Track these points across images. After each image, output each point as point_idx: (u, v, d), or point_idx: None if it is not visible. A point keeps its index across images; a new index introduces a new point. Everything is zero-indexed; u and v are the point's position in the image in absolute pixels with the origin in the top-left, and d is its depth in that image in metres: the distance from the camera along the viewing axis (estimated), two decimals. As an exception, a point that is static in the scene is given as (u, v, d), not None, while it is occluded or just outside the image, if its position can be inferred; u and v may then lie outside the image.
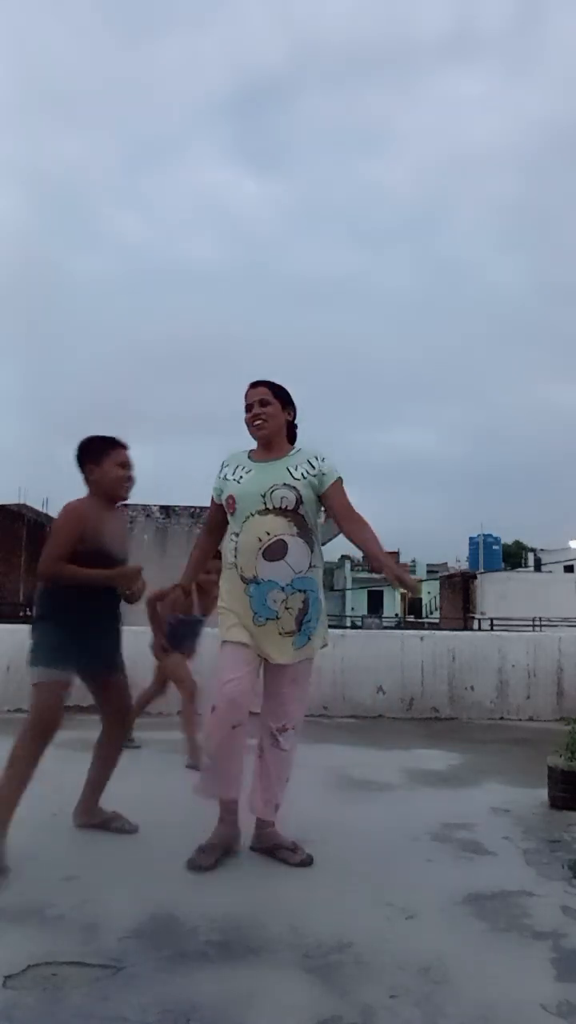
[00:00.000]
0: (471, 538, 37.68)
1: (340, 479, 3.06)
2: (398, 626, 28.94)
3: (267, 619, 2.94)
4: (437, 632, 8.55)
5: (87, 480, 3.31)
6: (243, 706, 2.92)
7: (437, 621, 32.18)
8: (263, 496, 2.96)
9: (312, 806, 3.77)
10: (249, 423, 3.12)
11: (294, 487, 2.98)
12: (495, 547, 37.11)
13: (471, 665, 7.08)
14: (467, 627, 22.63)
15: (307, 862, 2.93)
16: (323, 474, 3.02)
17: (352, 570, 48.01)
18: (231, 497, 3.04)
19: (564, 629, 16.76)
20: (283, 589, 2.94)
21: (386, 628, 24.73)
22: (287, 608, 2.95)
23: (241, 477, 3.07)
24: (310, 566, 3.00)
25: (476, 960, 2.22)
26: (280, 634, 2.96)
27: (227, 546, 3.08)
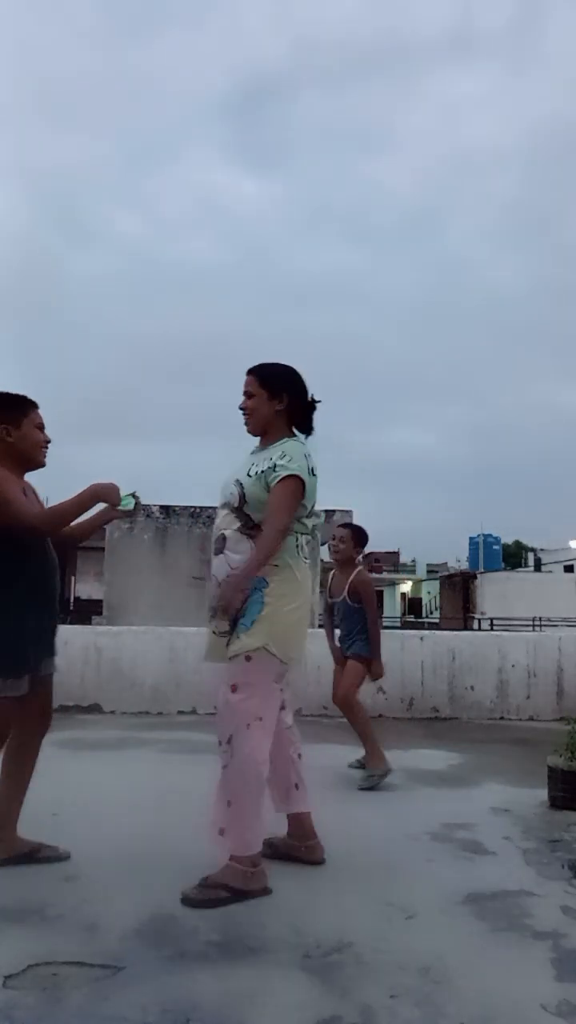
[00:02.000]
0: (471, 538, 37.68)
1: (289, 477, 2.76)
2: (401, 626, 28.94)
3: (209, 616, 2.85)
4: (437, 632, 8.54)
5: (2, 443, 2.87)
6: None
7: (437, 621, 32.17)
8: (223, 489, 2.91)
9: (312, 806, 3.77)
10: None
11: (241, 484, 2.84)
12: (495, 547, 37.11)
13: (471, 665, 7.08)
14: (467, 627, 22.63)
15: (184, 900, 2.53)
16: (274, 471, 2.78)
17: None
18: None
19: (564, 629, 16.76)
20: (219, 585, 2.80)
21: (386, 628, 24.73)
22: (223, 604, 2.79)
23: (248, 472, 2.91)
24: None
25: (476, 960, 2.22)
26: (214, 633, 2.83)
27: None
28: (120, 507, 2.91)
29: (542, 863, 3.05)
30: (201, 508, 10.28)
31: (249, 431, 2.97)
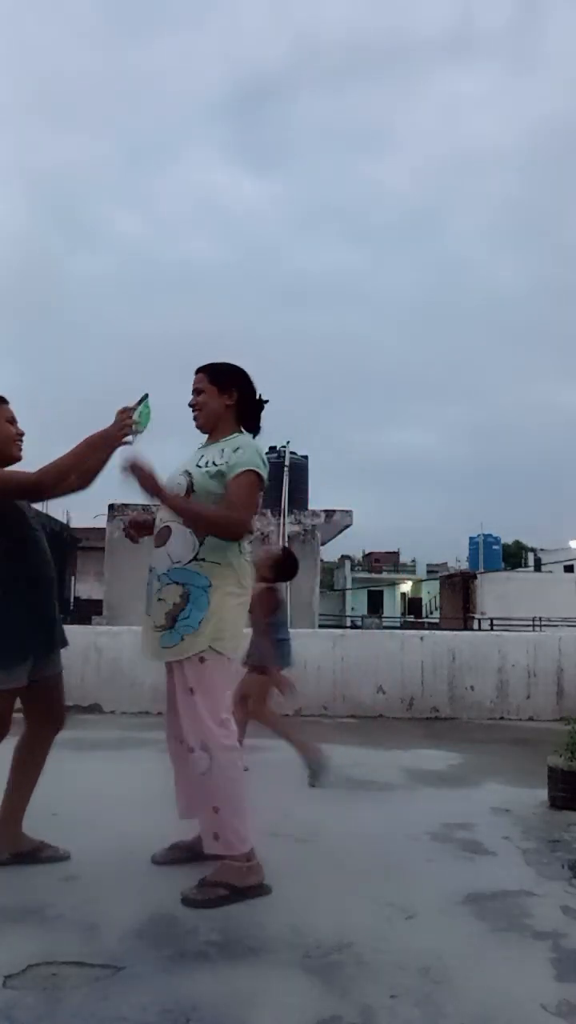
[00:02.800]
0: (471, 538, 37.63)
1: (247, 472, 2.74)
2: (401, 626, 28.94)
3: (146, 611, 2.78)
4: (437, 632, 8.55)
5: None
6: (166, 723, 2.94)
7: (437, 621, 32.16)
8: (169, 481, 2.84)
9: (312, 806, 3.77)
10: None
11: (190, 474, 2.80)
12: (495, 547, 37.05)
13: (471, 665, 7.08)
14: (467, 627, 22.62)
15: (185, 901, 2.53)
16: (229, 465, 2.75)
17: (352, 570, 48.01)
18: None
19: (564, 629, 16.76)
20: (159, 578, 2.73)
21: (386, 628, 24.73)
22: (159, 599, 2.71)
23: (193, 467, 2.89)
24: (195, 558, 2.69)
25: (476, 960, 2.22)
26: (153, 628, 2.73)
27: None
28: (137, 428, 2.83)
29: (542, 863, 3.05)
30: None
31: (198, 426, 2.96)
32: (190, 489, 2.77)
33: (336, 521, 12.22)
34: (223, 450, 2.81)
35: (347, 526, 12.48)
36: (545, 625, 19.63)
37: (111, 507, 11.76)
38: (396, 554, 54.16)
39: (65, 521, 29.04)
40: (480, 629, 19.64)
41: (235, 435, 2.91)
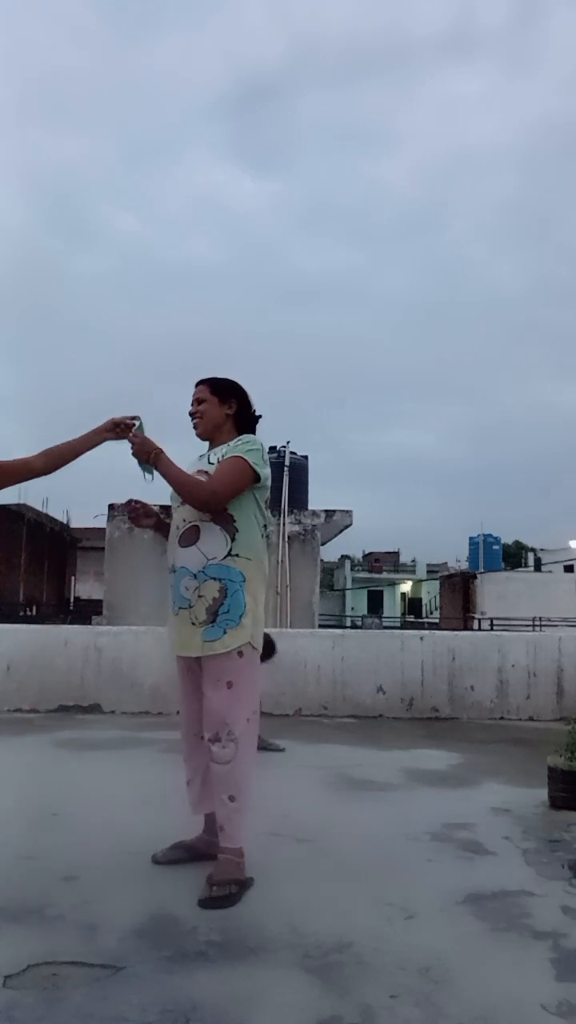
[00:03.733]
0: (471, 538, 37.61)
1: (238, 457, 2.86)
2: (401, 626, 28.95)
3: (180, 608, 2.84)
4: (437, 632, 8.54)
5: None
6: (192, 718, 2.90)
7: (437, 621, 32.16)
8: None
9: (312, 806, 3.77)
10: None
11: (207, 472, 2.89)
12: (495, 547, 37.03)
13: (471, 665, 7.08)
14: (467, 627, 22.62)
15: (207, 903, 2.54)
16: (227, 455, 2.89)
17: (352, 570, 48.00)
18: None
19: (564, 629, 16.76)
20: (195, 576, 2.81)
21: (387, 628, 24.72)
22: (199, 596, 2.79)
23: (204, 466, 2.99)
24: (229, 554, 2.82)
25: (476, 960, 2.22)
26: (192, 624, 2.80)
27: None
28: (135, 431, 2.88)
29: (542, 863, 3.05)
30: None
31: (199, 434, 3.05)
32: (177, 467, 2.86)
33: (336, 521, 12.21)
34: (230, 445, 2.93)
35: (347, 526, 12.48)
36: (545, 625, 19.62)
37: (111, 507, 11.76)
38: (396, 554, 54.15)
39: (65, 521, 29.05)
40: (480, 629, 19.64)
41: (242, 439, 2.99)
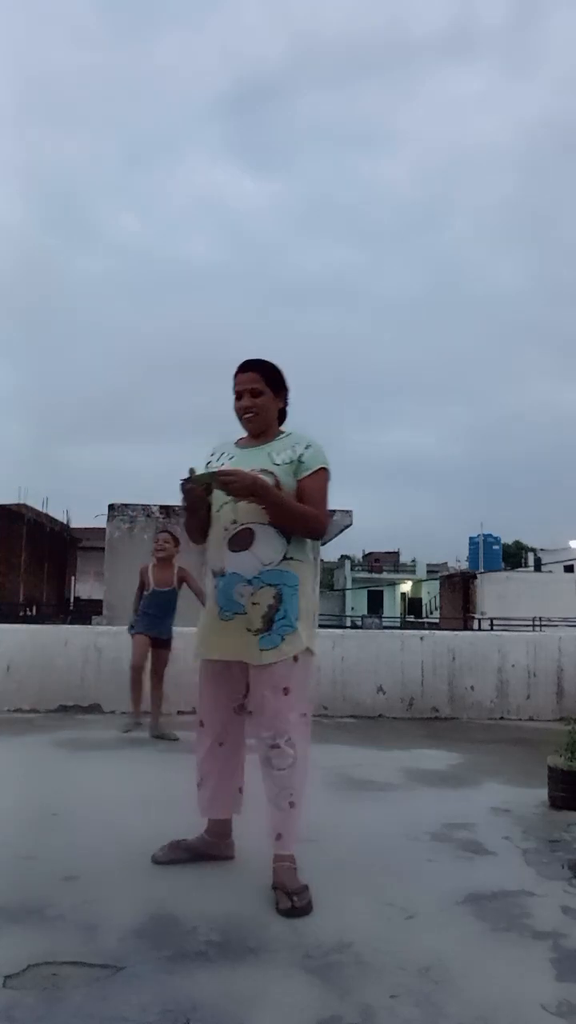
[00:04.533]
0: (471, 538, 37.65)
1: (323, 470, 2.77)
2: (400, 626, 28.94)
3: (234, 613, 2.68)
4: (437, 632, 8.55)
5: None
6: (217, 723, 2.83)
7: (437, 621, 32.17)
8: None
9: (312, 806, 3.77)
10: (239, 414, 2.87)
11: (272, 472, 2.70)
12: (495, 547, 37.07)
13: (471, 665, 7.09)
14: (467, 627, 22.63)
15: (293, 913, 2.48)
16: (302, 462, 2.75)
17: (352, 570, 48.01)
18: (191, 470, 2.75)
19: (564, 629, 16.77)
20: (249, 582, 2.66)
21: (386, 628, 24.74)
22: (254, 603, 2.66)
23: (223, 463, 2.82)
24: (284, 558, 2.70)
25: (476, 960, 2.22)
26: (248, 631, 2.67)
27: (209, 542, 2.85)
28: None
29: (542, 863, 3.05)
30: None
31: (251, 430, 2.87)
32: (276, 487, 2.69)
33: (336, 521, 12.21)
34: (294, 447, 2.78)
35: (347, 526, 12.49)
36: (545, 625, 19.63)
37: (111, 507, 11.77)
38: (396, 554, 54.19)
39: (65, 521, 29.06)
40: (480, 629, 19.64)
41: (292, 432, 2.87)
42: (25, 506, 25.23)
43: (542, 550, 42.73)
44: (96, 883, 2.72)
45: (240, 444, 2.90)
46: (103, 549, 12.24)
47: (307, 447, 2.78)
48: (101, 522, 13.37)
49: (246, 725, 2.90)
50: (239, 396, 2.84)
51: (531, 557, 41.73)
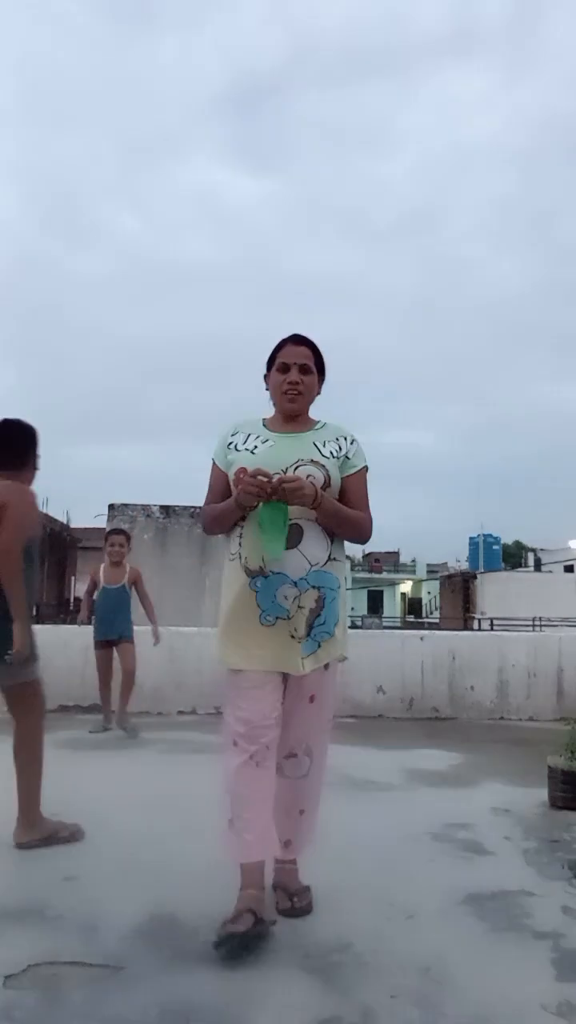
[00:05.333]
0: (471, 538, 37.63)
1: (365, 468, 2.59)
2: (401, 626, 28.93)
3: (277, 618, 2.41)
4: (437, 632, 8.55)
5: (32, 469, 3.33)
6: (263, 728, 2.40)
7: (437, 621, 32.17)
8: (284, 471, 2.41)
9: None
10: (280, 388, 2.58)
11: (323, 466, 2.46)
12: (495, 547, 37.05)
13: (471, 665, 7.09)
14: (467, 627, 22.63)
15: (293, 913, 2.47)
16: (348, 458, 2.55)
17: (352, 570, 48.01)
18: (243, 470, 2.43)
19: (564, 629, 16.76)
20: (295, 584, 2.40)
21: (386, 628, 24.75)
22: (300, 607, 2.41)
23: (256, 447, 2.52)
24: (329, 559, 2.47)
25: (476, 960, 2.22)
26: (292, 637, 2.41)
27: (231, 533, 2.54)
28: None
29: (542, 863, 3.05)
30: (201, 508, 10.29)
31: (291, 410, 2.59)
32: (327, 483, 2.45)
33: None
34: (339, 439, 2.57)
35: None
36: (545, 625, 19.63)
37: (111, 507, 11.77)
38: (396, 554, 54.19)
39: (65, 521, 29.08)
40: (480, 629, 19.64)
41: (324, 422, 2.65)
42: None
43: (542, 550, 42.75)
44: (96, 883, 2.72)
45: (273, 427, 2.60)
46: (103, 549, 12.23)
47: (352, 442, 2.59)
48: (101, 522, 13.38)
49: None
50: (285, 368, 2.58)
51: (531, 557, 41.75)
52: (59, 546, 28.68)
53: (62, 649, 6.71)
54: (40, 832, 3.08)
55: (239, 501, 2.38)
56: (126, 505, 11.55)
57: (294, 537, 2.41)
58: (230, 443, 2.58)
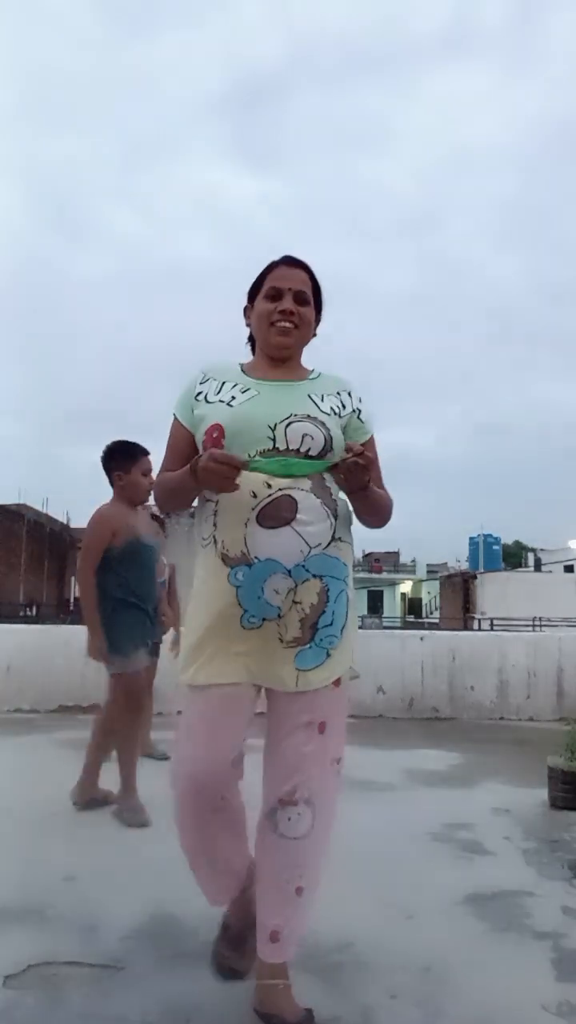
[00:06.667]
0: (471, 538, 37.65)
1: (373, 436, 2.06)
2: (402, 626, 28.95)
3: (263, 619, 1.83)
4: (437, 632, 8.55)
5: (114, 485, 3.70)
6: (216, 784, 1.89)
7: (437, 621, 32.17)
8: (272, 428, 1.86)
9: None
10: (268, 319, 2.00)
11: (323, 423, 1.89)
12: (495, 547, 37.06)
13: (471, 665, 7.08)
14: (467, 627, 22.63)
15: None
16: (360, 420, 2.02)
17: (352, 570, 47.98)
18: (216, 428, 1.86)
19: (564, 629, 16.75)
20: (289, 573, 1.82)
21: (386, 628, 24.74)
22: (295, 603, 1.84)
23: (234, 398, 1.93)
24: (333, 538, 1.89)
25: (476, 960, 2.22)
26: (282, 643, 1.85)
27: (202, 512, 1.95)
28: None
29: (542, 863, 3.05)
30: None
31: (281, 347, 2.02)
32: (327, 445, 1.88)
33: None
34: (340, 394, 2.01)
35: (347, 526, 12.45)
36: (545, 625, 19.63)
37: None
38: (396, 554, 54.18)
39: (65, 521, 29.08)
40: (480, 629, 19.64)
41: (323, 373, 2.10)
42: (25, 506, 25.25)
43: (542, 550, 42.76)
44: (96, 883, 2.72)
45: (253, 373, 2.02)
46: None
47: (360, 399, 2.05)
48: (101, 522, 13.34)
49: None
50: (277, 295, 2.00)
51: (531, 557, 41.75)
52: (59, 546, 28.68)
53: (62, 649, 6.71)
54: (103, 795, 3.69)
55: (200, 480, 1.78)
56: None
57: (286, 511, 1.83)
58: (199, 393, 1.99)
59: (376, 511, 1.99)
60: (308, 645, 1.87)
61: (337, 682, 1.94)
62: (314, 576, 1.86)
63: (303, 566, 1.84)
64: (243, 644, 1.85)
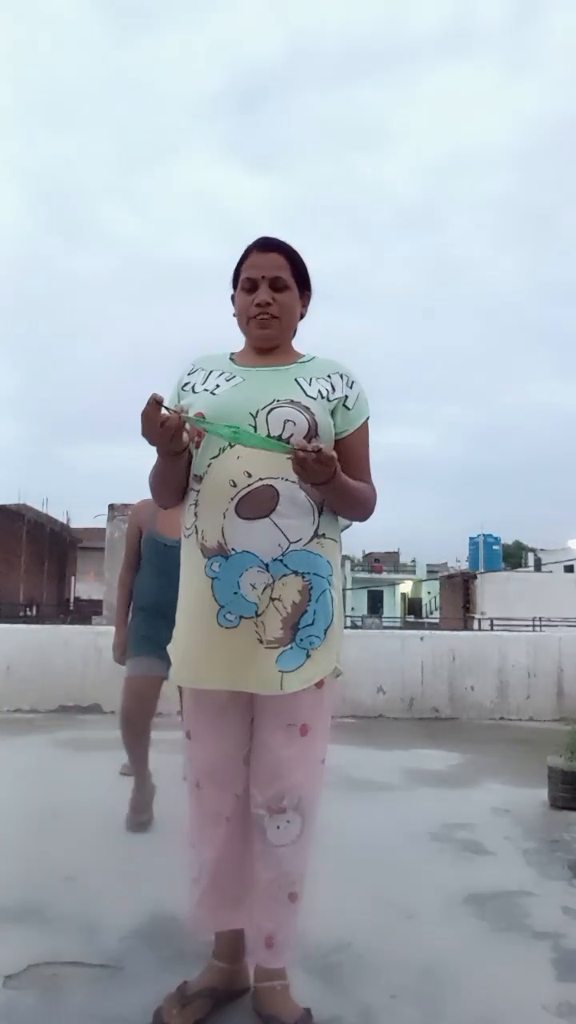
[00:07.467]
0: (471, 538, 37.63)
1: (366, 423, 1.97)
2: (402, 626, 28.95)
3: (240, 617, 1.78)
4: (437, 632, 8.55)
5: None
6: (234, 781, 1.89)
7: (437, 621, 32.17)
8: (253, 415, 1.81)
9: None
10: (246, 314, 1.97)
11: (307, 408, 1.83)
12: (495, 547, 37.04)
13: (471, 665, 7.09)
14: (467, 627, 22.62)
15: None
16: (348, 408, 1.92)
17: (352, 570, 47.99)
18: (199, 416, 1.81)
19: (564, 629, 16.75)
20: (267, 567, 1.77)
21: (386, 628, 24.74)
22: (274, 599, 1.78)
23: (218, 386, 1.89)
24: (315, 535, 1.83)
25: (476, 960, 2.22)
26: (261, 643, 1.78)
27: (186, 501, 1.92)
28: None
29: (542, 863, 3.05)
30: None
31: (262, 339, 1.97)
32: (312, 431, 1.82)
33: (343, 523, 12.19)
34: (331, 376, 1.94)
35: (347, 526, 12.45)
36: (545, 625, 19.62)
37: (111, 507, 11.78)
38: (396, 554, 54.20)
39: (65, 521, 29.09)
40: (480, 629, 19.64)
41: (311, 355, 2.03)
42: (25, 506, 25.25)
43: (542, 550, 42.76)
44: (96, 883, 2.72)
45: (241, 361, 1.99)
46: (103, 549, 12.24)
47: (352, 384, 1.96)
48: (101, 522, 13.40)
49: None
50: (252, 286, 1.95)
51: (531, 557, 41.75)
52: (59, 546, 28.68)
53: (62, 649, 6.72)
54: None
55: (143, 432, 1.73)
56: (126, 505, 11.54)
57: (266, 502, 1.78)
58: (186, 384, 1.97)
59: (349, 505, 1.90)
60: (289, 646, 1.80)
61: (320, 683, 1.88)
62: (295, 573, 1.80)
63: (281, 561, 1.79)
64: (222, 648, 1.80)
